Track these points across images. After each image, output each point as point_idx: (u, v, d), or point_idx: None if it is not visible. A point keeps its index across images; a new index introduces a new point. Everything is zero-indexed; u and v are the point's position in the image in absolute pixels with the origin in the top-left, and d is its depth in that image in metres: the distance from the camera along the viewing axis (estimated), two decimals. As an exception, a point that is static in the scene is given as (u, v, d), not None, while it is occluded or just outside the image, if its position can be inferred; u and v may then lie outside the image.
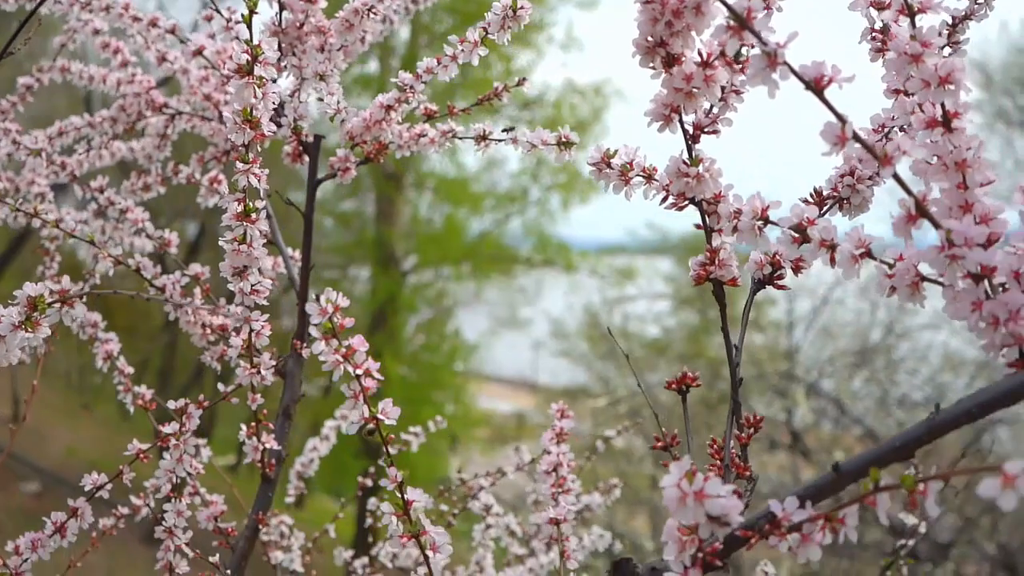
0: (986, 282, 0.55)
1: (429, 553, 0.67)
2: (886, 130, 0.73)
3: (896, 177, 0.53)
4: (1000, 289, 0.54)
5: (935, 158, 0.56)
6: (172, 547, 0.95)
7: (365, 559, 1.46)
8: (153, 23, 1.10)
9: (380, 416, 0.65)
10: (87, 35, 1.23)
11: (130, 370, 1.13)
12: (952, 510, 5.91)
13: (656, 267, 11.31)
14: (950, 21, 0.74)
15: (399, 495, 0.67)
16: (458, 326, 11.64)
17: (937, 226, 0.53)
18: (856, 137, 0.52)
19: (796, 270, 0.71)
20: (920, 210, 0.53)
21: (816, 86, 0.53)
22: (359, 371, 0.64)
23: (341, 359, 0.64)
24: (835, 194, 0.72)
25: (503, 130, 0.97)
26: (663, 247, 10.82)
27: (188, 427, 0.92)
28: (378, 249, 10.96)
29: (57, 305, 0.67)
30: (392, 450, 0.68)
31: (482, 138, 0.97)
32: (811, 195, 0.73)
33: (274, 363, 0.94)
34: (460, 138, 0.99)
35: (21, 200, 1.33)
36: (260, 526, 1.02)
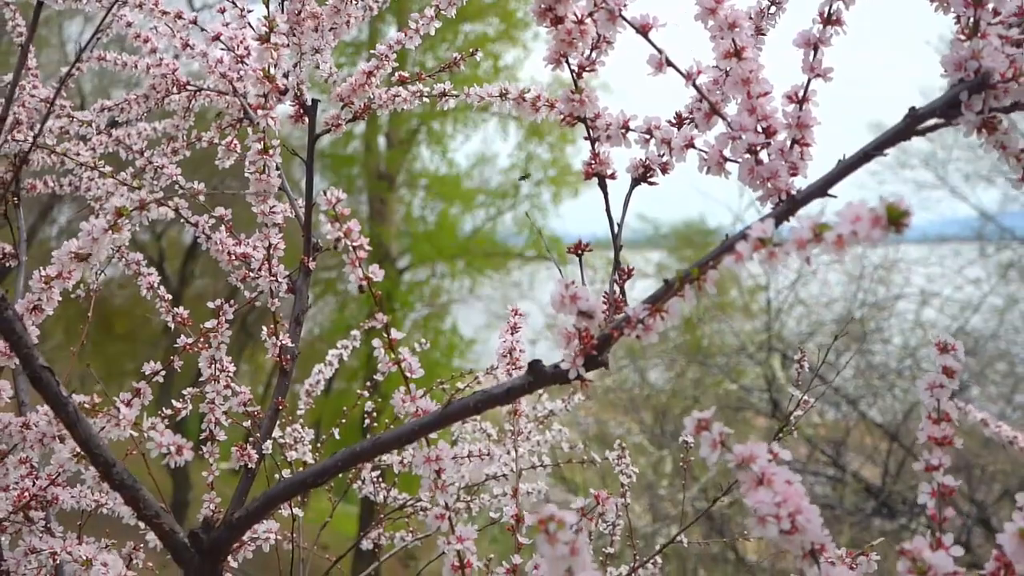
0: (765, 155, 0.83)
1: (407, 374, 0.95)
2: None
3: (696, 88, 0.81)
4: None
5: (730, 78, 0.84)
6: (213, 419, 1.23)
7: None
8: (178, 16, 1.38)
9: (371, 275, 0.93)
10: (122, 28, 1.50)
11: (169, 296, 1.41)
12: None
13: (648, 258, 11.61)
14: None
15: (386, 335, 0.95)
16: (454, 322, 11.91)
17: (724, 119, 0.81)
18: (668, 62, 0.80)
19: (664, 171, 0.98)
20: (713, 110, 0.81)
21: (643, 30, 0.81)
22: (355, 243, 0.92)
23: (342, 235, 0.92)
24: (690, 116, 1.00)
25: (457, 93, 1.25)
26: (654, 239, 11.13)
27: (223, 322, 1.20)
28: (373, 248, 11.22)
29: (137, 211, 0.94)
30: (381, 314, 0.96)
31: (443, 95, 1.25)
32: (674, 116, 1.00)
33: (288, 274, 1.22)
34: (427, 97, 1.27)
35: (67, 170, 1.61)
36: (280, 408, 1.30)
